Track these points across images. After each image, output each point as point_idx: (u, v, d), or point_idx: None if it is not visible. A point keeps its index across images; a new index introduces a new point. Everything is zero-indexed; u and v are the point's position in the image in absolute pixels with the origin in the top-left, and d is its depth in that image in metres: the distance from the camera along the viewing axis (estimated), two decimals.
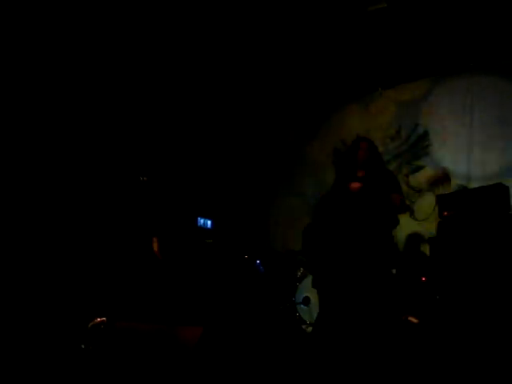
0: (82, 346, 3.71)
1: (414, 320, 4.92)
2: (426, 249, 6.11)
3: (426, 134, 7.19)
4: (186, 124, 7.87)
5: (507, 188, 5.49)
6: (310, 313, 6.17)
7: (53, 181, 6.06)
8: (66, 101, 6.38)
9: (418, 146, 7.23)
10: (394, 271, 5.47)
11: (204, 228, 7.35)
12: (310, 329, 6.11)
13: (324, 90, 8.01)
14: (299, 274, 6.58)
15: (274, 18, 6.38)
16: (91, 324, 3.86)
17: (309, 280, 6.19)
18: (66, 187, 6.18)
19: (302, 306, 6.28)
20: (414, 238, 6.41)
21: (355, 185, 4.54)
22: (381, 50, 6.94)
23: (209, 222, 7.48)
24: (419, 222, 6.68)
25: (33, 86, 6.01)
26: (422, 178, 7.12)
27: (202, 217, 7.47)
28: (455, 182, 6.70)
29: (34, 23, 5.72)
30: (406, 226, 6.41)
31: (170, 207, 7.04)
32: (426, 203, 6.80)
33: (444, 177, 4.70)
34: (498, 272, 4.85)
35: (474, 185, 6.36)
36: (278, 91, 8.12)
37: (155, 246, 4.94)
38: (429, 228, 6.07)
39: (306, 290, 6.27)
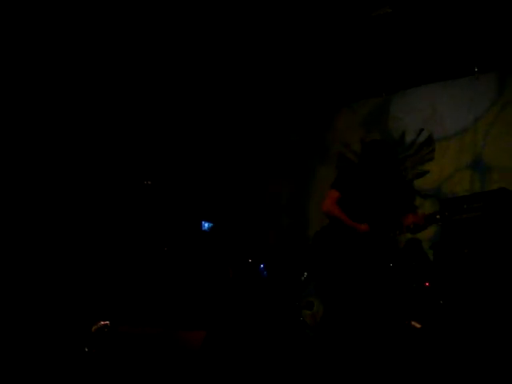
0: (86, 350, 3.72)
1: (417, 325, 4.91)
2: (429, 254, 6.10)
3: (430, 139, 7.18)
4: (188, 127, 7.89)
5: (511, 193, 5.48)
6: (313, 317, 6.16)
7: (57, 185, 6.09)
8: (70, 104, 6.41)
9: (422, 151, 7.23)
10: (397, 276, 5.46)
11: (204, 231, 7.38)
12: (313, 333, 6.10)
13: (325, 94, 8.00)
14: (303, 278, 6.57)
15: (273, 25, 6.41)
16: (95, 327, 3.87)
17: (313, 285, 6.18)
18: (71, 191, 6.21)
19: (305, 310, 6.27)
20: (418, 243, 6.39)
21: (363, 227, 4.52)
22: (384, 55, 6.94)
23: (206, 225, 7.49)
24: None
25: (35, 88, 6.04)
26: (426, 182, 7.13)
27: (204, 220, 7.49)
28: (462, 188, 6.72)
29: (34, 23, 5.75)
30: None
31: (174, 210, 7.05)
32: (431, 208, 6.80)
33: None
34: (502, 277, 4.83)
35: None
36: (280, 93, 8.10)
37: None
38: (433, 233, 6.05)
39: (310, 294, 6.26)
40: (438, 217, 4.35)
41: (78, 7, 5.70)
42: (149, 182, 6.13)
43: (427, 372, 4.12)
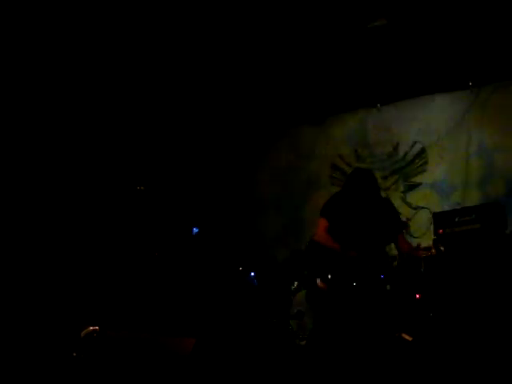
0: (74, 355, 3.69)
1: (408, 337, 4.90)
2: (420, 266, 6.11)
3: (422, 151, 7.22)
4: (180, 132, 7.87)
5: (503, 207, 5.52)
6: (303, 327, 6.15)
7: (49, 190, 6.05)
8: (64, 108, 6.39)
9: (414, 163, 7.25)
10: (388, 288, 5.46)
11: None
12: (303, 343, 6.08)
13: (320, 103, 8.00)
14: (293, 287, 6.56)
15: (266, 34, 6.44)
16: (84, 332, 3.84)
17: (303, 294, 6.18)
18: (61, 196, 6.18)
19: (295, 319, 6.26)
20: (409, 255, 6.40)
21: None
22: (379, 65, 6.97)
23: (194, 229, 7.46)
24: (415, 238, 6.68)
25: (26, 91, 6.02)
26: (418, 195, 7.15)
27: (196, 226, 7.46)
28: (454, 200, 6.75)
29: (34, 23, 5.73)
30: None
31: (165, 216, 7.03)
32: (422, 220, 6.82)
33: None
34: (493, 290, 4.85)
35: (470, 203, 6.41)
36: (271, 102, 8.10)
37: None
38: (424, 245, 6.08)
39: (300, 303, 6.25)
40: (433, 251, 4.43)
41: (78, 7, 5.69)
42: (141, 188, 6.12)
43: None
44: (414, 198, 7.20)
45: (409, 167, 7.29)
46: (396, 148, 7.43)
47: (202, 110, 7.97)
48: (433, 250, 4.44)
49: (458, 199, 6.79)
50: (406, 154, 7.34)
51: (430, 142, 7.17)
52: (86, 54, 6.35)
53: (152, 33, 6.30)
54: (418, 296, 5.53)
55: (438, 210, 6.37)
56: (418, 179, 7.20)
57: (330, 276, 4.58)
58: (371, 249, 4.54)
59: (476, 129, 6.85)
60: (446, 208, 6.56)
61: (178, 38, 6.41)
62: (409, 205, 7.15)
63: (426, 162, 7.19)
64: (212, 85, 7.50)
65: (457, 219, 5.51)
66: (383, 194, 5.87)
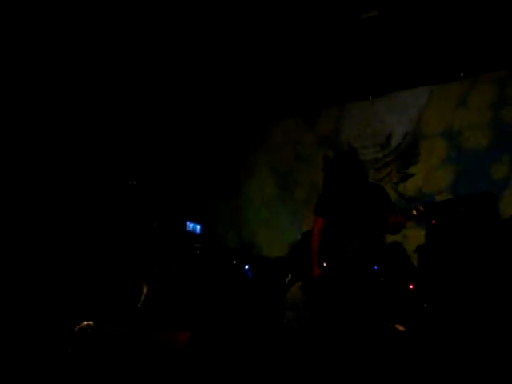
0: (69, 350, 3.69)
1: (401, 328, 4.92)
2: (413, 256, 6.13)
3: (415, 143, 7.23)
4: (174, 127, 7.87)
5: (496, 196, 5.53)
6: (297, 319, 6.16)
7: (39, 185, 6.05)
8: (58, 104, 6.38)
9: (407, 155, 7.26)
10: (381, 279, 5.48)
11: (193, 233, 7.34)
12: (297, 335, 6.10)
13: (312, 97, 8.00)
14: (287, 280, 6.57)
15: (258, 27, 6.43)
16: (78, 327, 3.84)
17: (297, 286, 6.19)
18: (54, 191, 6.17)
19: (289, 312, 6.27)
20: (400, 246, 6.42)
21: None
22: (372, 57, 6.97)
23: (198, 227, 7.46)
24: (406, 230, 6.69)
25: (23, 92, 6.01)
26: (411, 186, 7.16)
27: (191, 221, 7.46)
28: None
29: (34, 23, 5.72)
30: None
31: (159, 211, 7.03)
32: None
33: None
34: (486, 280, 4.87)
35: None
36: (263, 96, 8.11)
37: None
38: (417, 236, 6.09)
39: (294, 296, 6.26)
40: (414, 213, 4.35)
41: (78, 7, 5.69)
42: (134, 182, 6.11)
43: (410, 375, 4.14)
44: (406, 188, 7.21)
45: (401, 159, 7.30)
46: (389, 139, 7.44)
47: (192, 107, 7.98)
48: (414, 212, 4.37)
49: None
50: (398, 145, 7.35)
51: (422, 132, 7.19)
52: (80, 51, 6.35)
53: (145, 33, 6.31)
54: (411, 286, 5.55)
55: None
56: (410, 170, 7.21)
57: (325, 264, 4.58)
58: (367, 239, 4.51)
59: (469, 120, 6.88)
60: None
61: (168, 36, 6.41)
62: (402, 196, 7.16)
63: (418, 153, 7.19)
64: (202, 81, 7.51)
65: (449, 209, 5.52)
66: None
